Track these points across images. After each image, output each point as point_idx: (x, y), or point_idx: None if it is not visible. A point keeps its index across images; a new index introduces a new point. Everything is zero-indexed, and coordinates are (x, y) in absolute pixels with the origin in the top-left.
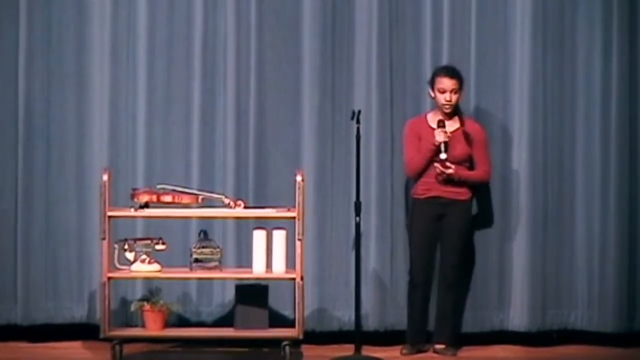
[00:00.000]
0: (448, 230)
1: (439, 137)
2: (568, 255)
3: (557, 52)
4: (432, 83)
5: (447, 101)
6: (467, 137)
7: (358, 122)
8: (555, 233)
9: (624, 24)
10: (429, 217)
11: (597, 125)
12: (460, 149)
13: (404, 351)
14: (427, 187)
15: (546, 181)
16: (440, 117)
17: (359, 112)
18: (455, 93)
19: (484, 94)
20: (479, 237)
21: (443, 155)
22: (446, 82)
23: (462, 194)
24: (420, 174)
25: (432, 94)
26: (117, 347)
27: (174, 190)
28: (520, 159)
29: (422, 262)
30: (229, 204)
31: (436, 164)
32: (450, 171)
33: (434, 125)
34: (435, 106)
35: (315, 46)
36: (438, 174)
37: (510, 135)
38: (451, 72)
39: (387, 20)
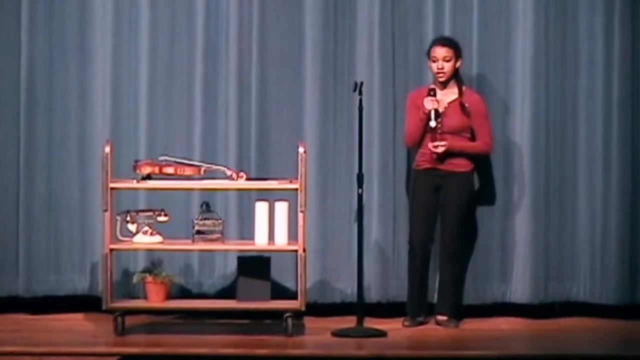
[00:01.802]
0: (446, 201)
1: (428, 104)
2: (570, 228)
3: (559, 21)
4: (428, 54)
5: (440, 69)
6: (464, 109)
7: (360, 93)
8: (558, 205)
9: None
10: (428, 188)
11: (600, 95)
12: (456, 120)
13: (406, 323)
14: (425, 158)
15: (548, 153)
16: (434, 87)
17: (362, 83)
18: (448, 61)
19: (486, 64)
20: (481, 209)
21: (432, 123)
22: (437, 51)
23: (461, 165)
24: (418, 144)
25: (429, 65)
26: (119, 319)
27: (176, 162)
28: (522, 130)
29: (422, 233)
30: (231, 175)
31: (429, 144)
32: (440, 150)
33: None
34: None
35: (318, 17)
36: (432, 153)
37: (513, 106)
38: (442, 40)
39: None
